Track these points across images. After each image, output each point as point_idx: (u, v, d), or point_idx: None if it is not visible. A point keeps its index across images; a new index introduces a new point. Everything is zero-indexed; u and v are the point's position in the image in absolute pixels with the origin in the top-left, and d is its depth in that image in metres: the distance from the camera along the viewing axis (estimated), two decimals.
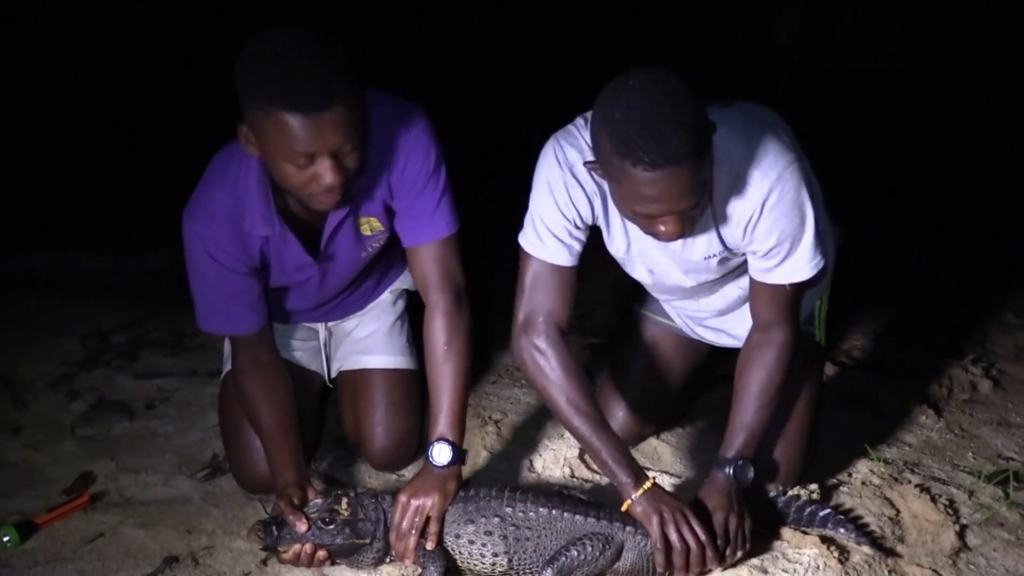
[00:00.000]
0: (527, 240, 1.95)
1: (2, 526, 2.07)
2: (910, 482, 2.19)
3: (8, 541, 2.04)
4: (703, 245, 1.91)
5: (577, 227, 1.92)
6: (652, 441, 2.42)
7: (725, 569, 1.88)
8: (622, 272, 2.16)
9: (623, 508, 1.86)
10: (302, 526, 1.85)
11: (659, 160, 1.56)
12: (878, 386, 2.69)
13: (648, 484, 1.86)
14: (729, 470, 1.91)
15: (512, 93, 4.69)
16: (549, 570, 1.78)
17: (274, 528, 1.85)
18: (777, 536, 1.99)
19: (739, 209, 1.82)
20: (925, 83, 4.68)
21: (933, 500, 2.10)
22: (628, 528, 1.84)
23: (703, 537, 1.81)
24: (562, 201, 1.88)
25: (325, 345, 2.43)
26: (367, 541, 1.89)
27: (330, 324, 2.44)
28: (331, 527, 1.86)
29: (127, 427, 2.58)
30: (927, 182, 4.21)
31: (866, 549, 1.95)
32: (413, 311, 2.48)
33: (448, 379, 1.98)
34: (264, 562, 1.96)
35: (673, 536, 1.80)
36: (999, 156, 4.28)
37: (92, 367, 2.90)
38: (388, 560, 1.93)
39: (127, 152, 4.41)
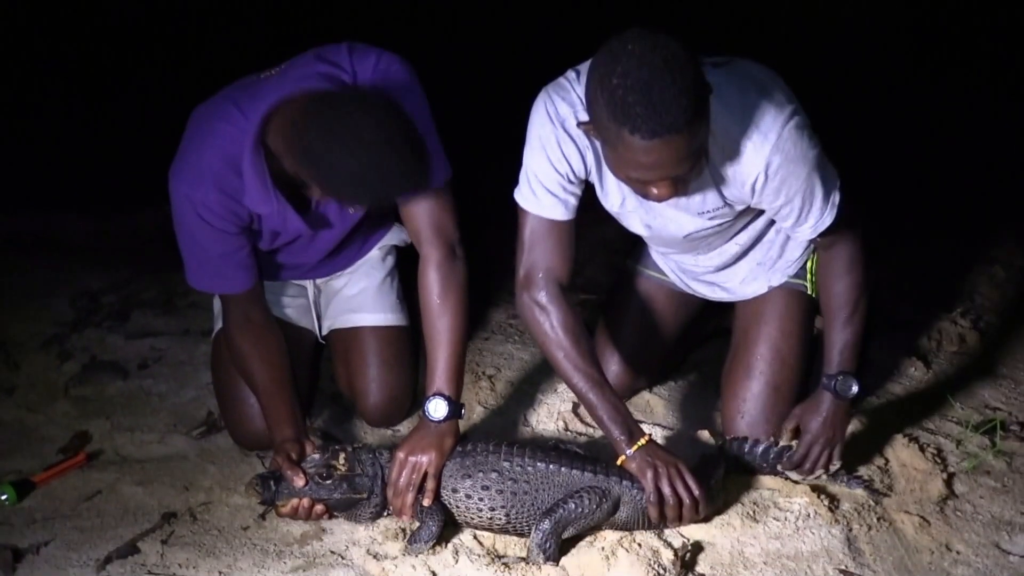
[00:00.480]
0: (522, 196, 1.94)
1: None
2: (899, 432, 2.22)
3: (5, 499, 2.05)
4: (699, 201, 1.91)
5: (570, 181, 1.91)
6: (645, 395, 2.44)
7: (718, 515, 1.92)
8: (614, 228, 2.16)
9: (618, 463, 1.88)
10: (299, 481, 1.86)
11: (658, 129, 1.54)
12: (867, 338, 2.70)
13: (643, 440, 1.88)
14: (832, 385, 1.97)
15: (505, 43, 4.63)
16: (547, 522, 1.80)
17: (272, 483, 1.87)
18: (767, 485, 2.02)
19: (742, 171, 1.81)
20: (920, 41, 4.66)
21: (921, 449, 2.14)
22: (625, 482, 1.86)
23: (696, 491, 1.84)
24: (554, 156, 1.87)
25: (315, 303, 2.42)
26: (364, 496, 1.90)
27: (318, 281, 2.43)
28: (328, 482, 1.87)
29: (121, 386, 2.58)
30: (917, 138, 4.21)
31: (859, 492, 1.99)
32: (404, 268, 2.48)
33: (444, 333, 1.98)
34: (262, 516, 1.98)
35: (667, 490, 1.83)
36: (990, 113, 4.29)
37: (83, 328, 2.89)
38: (386, 514, 1.95)
39: (111, 112, 4.34)
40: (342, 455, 1.90)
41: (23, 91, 4.29)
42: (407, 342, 2.40)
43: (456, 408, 1.96)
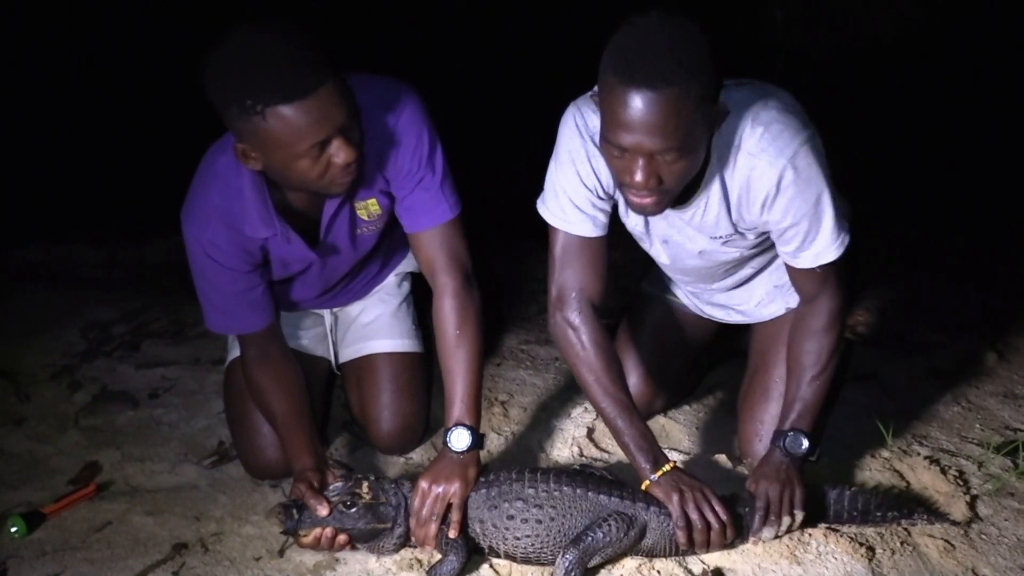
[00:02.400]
0: (550, 213, 1.92)
1: (9, 517, 2.05)
2: (919, 454, 2.19)
3: (16, 531, 2.02)
4: (712, 224, 1.89)
5: (600, 197, 1.89)
6: (660, 419, 2.41)
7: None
8: (623, 253, 2.14)
9: (642, 488, 1.85)
10: (323, 510, 1.83)
11: (638, 77, 1.52)
12: (883, 360, 2.68)
13: (668, 466, 1.85)
14: (781, 443, 1.92)
15: (507, 73, 4.67)
16: (572, 552, 1.76)
17: (295, 511, 1.83)
18: None
19: (755, 187, 1.79)
20: (925, 66, 4.67)
21: (943, 472, 2.11)
22: (652, 508, 1.83)
23: (724, 516, 1.80)
24: (584, 171, 1.85)
25: (331, 331, 2.41)
26: (388, 526, 1.86)
27: (335, 309, 2.42)
28: (352, 511, 1.84)
29: (131, 416, 2.56)
30: (930, 160, 4.21)
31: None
32: (418, 293, 2.47)
33: (462, 363, 1.95)
34: (281, 552, 1.94)
35: (694, 515, 1.80)
36: (1000, 136, 4.30)
37: (94, 358, 2.88)
38: (409, 545, 1.91)
39: (122, 143, 4.38)
40: (365, 484, 1.86)
41: (34, 122, 4.33)
42: (421, 369, 2.38)
43: (478, 438, 1.93)
